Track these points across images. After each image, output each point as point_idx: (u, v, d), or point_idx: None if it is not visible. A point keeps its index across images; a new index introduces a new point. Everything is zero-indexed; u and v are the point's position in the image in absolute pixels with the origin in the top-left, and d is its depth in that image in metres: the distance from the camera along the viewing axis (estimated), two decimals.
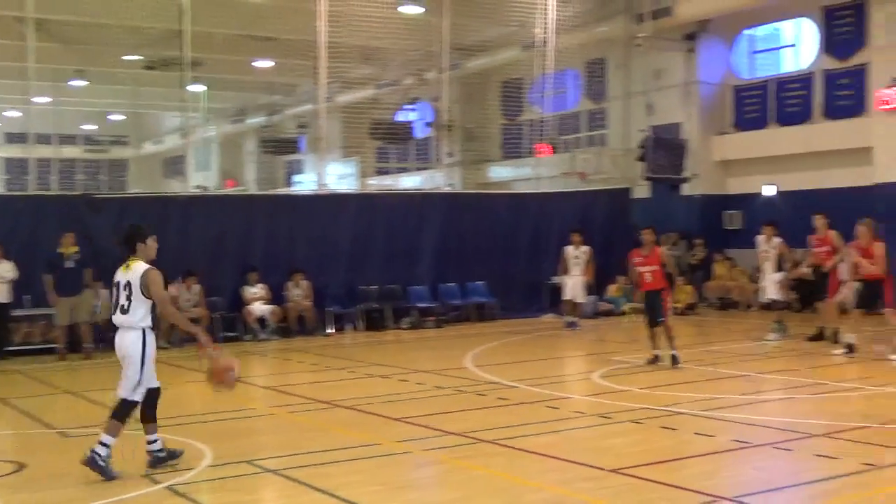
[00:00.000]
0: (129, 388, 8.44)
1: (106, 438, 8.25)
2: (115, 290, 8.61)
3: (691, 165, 25.38)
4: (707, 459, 8.74)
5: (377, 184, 32.93)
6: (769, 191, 24.77)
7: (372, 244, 21.30)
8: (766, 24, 25.36)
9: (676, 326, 18.76)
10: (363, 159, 32.51)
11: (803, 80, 24.22)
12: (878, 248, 14.63)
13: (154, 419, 8.60)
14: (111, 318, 8.60)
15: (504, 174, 30.50)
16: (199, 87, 31.32)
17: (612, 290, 23.13)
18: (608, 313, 22.52)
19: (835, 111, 23.37)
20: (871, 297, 14.80)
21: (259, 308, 19.50)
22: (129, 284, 8.50)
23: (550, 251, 22.36)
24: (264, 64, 30.12)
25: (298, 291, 19.93)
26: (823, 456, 8.62)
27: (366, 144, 29.67)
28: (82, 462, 8.21)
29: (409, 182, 31.68)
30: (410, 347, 18.66)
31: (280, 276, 19.91)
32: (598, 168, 26.11)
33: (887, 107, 21.29)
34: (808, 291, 19.50)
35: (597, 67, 27.93)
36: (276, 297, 19.83)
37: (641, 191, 25.78)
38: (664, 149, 25.00)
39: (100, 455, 8.18)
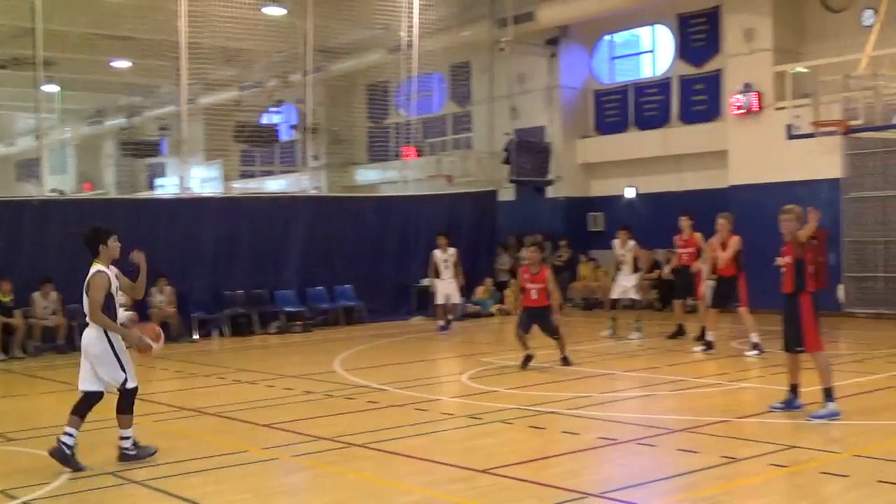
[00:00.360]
0: (119, 380, 8.80)
1: (124, 432, 8.82)
2: None
3: (555, 168, 25.86)
4: (574, 457, 8.89)
5: (241, 187, 32.42)
6: (630, 193, 25.42)
7: (237, 248, 20.99)
8: (625, 30, 26.03)
9: None
10: (227, 162, 31.95)
11: (661, 86, 24.96)
12: (734, 242, 15.14)
13: (84, 417, 8.77)
14: None
15: (371, 177, 30.49)
16: (52, 88, 30.29)
17: (479, 291, 23.35)
18: (476, 315, 22.73)
19: (691, 116, 24.15)
20: (725, 295, 15.30)
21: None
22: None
23: (418, 254, 22.47)
24: (122, 64, 29.33)
25: (162, 297, 19.46)
26: (685, 450, 8.86)
27: (229, 147, 29.17)
28: (118, 460, 8.75)
29: (275, 185, 31.34)
30: (278, 353, 18.42)
31: None
32: (463, 171, 26.35)
33: (740, 112, 22.07)
34: (669, 291, 20.08)
35: (461, 71, 28.19)
36: (139, 302, 19.28)
37: (507, 193, 26.12)
38: (528, 152, 25.40)
39: (127, 449, 8.81)
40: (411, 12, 24.33)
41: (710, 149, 23.20)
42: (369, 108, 30.13)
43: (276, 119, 29.43)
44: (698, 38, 24.11)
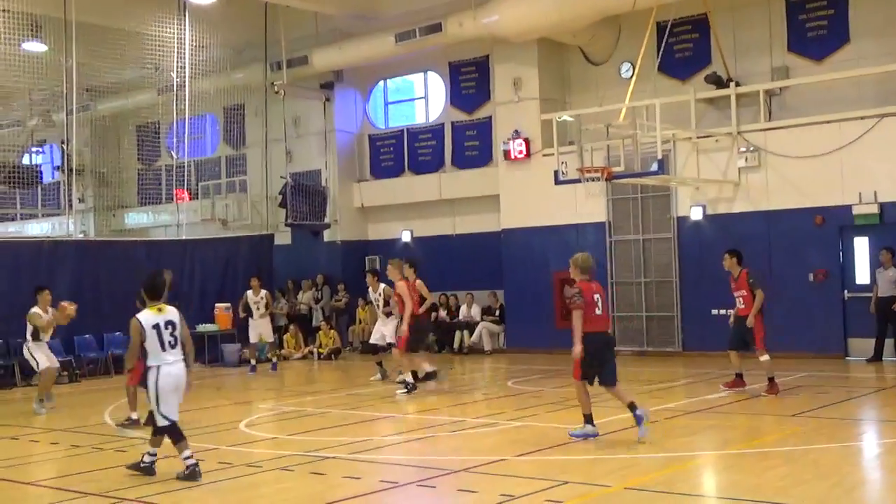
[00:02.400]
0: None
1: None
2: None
3: (332, 212, 25.89)
4: (356, 502, 8.83)
5: (0, 231, 30.72)
6: (406, 236, 25.75)
7: None
8: (398, 76, 26.48)
9: (325, 370, 19.03)
10: None
11: (434, 131, 25.52)
12: (400, 287, 16.12)
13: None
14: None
15: (142, 220, 29.56)
16: None
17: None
18: (247, 361, 22.29)
19: (464, 161, 24.80)
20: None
21: None
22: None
23: (193, 299, 21.94)
24: None
25: None
26: (465, 490, 8.99)
27: None
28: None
29: (37, 229, 29.83)
30: None
31: None
32: (239, 214, 26.01)
33: (510, 157, 22.83)
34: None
35: (235, 113, 27.82)
36: None
37: (283, 237, 25.92)
38: (305, 195, 25.32)
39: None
40: (182, 53, 23.87)
41: (482, 193, 23.86)
42: (139, 150, 29.24)
43: (38, 159, 28.11)
44: (469, 85, 24.84)
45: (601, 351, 10.98)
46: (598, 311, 10.91)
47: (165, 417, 9.69)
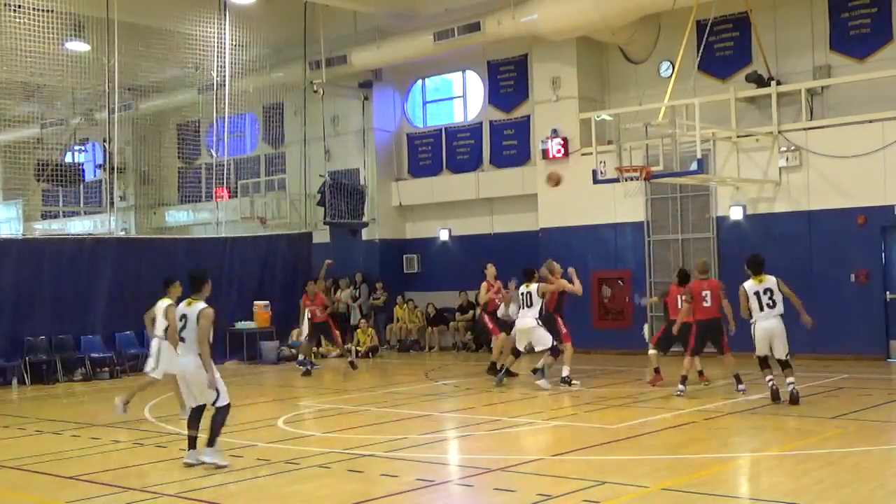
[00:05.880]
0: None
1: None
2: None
3: (370, 210, 25.95)
4: (393, 500, 8.86)
5: (44, 228, 31.11)
6: (444, 235, 25.77)
7: (39, 292, 20.02)
8: (436, 75, 26.50)
9: (362, 368, 19.16)
10: (27, 202, 30.61)
11: (472, 130, 25.50)
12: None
13: None
14: None
15: (182, 218, 29.81)
16: None
17: (295, 334, 23.08)
18: (292, 358, 22.46)
19: (502, 160, 24.75)
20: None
21: None
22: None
23: (232, 296, 22.09)
24: None
25: None
26: (501, 490, 8.99)
27: (30, 186, 27.96)
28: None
29: (80, 226, 30.19)
30: (83, 400, 17.67)
31: None
32: (277, 213, 26.14)
33: (548, 157, 22.76)
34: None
35: (274, 112, 27.99)
36: None
37: (321, 235, 26.01)
38: (343, 194, 25.39)
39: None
40: (223, 52, 24.06)
41: (520, 192, 23.83)
42: (180, 148, 29.51)
43: (80, 158, 28.42)
44: (507, 84, 24.80)
45: None
46: None
47: None
